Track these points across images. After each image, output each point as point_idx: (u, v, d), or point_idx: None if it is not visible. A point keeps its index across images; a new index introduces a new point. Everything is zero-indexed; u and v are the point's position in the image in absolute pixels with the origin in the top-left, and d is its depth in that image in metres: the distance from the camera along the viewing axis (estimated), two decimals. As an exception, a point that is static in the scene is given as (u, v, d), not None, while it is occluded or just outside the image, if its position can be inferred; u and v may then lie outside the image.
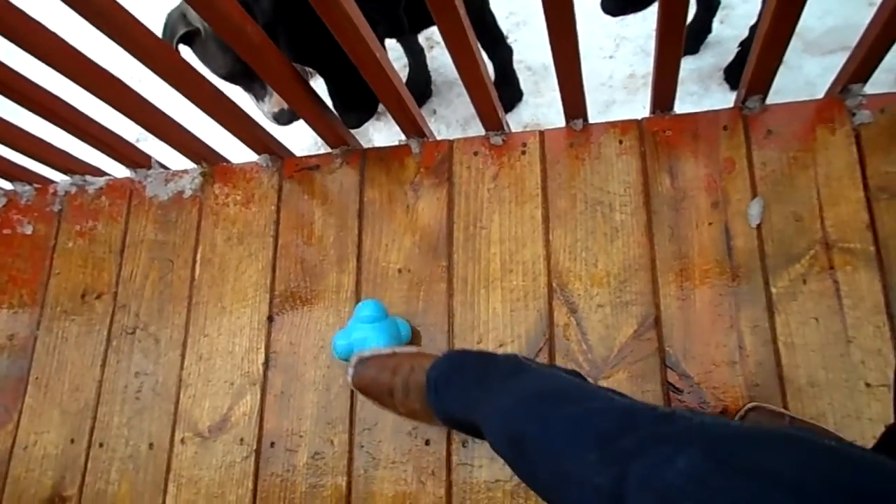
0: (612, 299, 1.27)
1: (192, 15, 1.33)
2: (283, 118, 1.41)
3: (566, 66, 1.23)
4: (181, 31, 1.32)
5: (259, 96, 1.43)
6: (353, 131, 1.51)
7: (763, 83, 1.27)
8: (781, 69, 1.24)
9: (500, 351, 1.28)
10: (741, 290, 1.22)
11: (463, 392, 1.03)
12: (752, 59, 1.22)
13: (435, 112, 2.00)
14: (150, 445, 1.37)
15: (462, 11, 1.08)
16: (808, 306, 1.18)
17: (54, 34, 1.08)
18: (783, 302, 1.20)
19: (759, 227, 1.24)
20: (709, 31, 1.82)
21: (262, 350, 1.39)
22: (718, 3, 1.76)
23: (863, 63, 1.19)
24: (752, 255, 1.23)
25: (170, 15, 1.37)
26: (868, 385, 1.12)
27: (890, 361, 1.13)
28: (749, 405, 1.14)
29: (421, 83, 2.00)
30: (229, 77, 1.38)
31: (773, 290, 1.21)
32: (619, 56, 1.91)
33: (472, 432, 1.04)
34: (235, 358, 1.39)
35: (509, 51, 1.85)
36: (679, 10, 1.08)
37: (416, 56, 1.97)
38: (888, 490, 0.50)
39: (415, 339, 1.32)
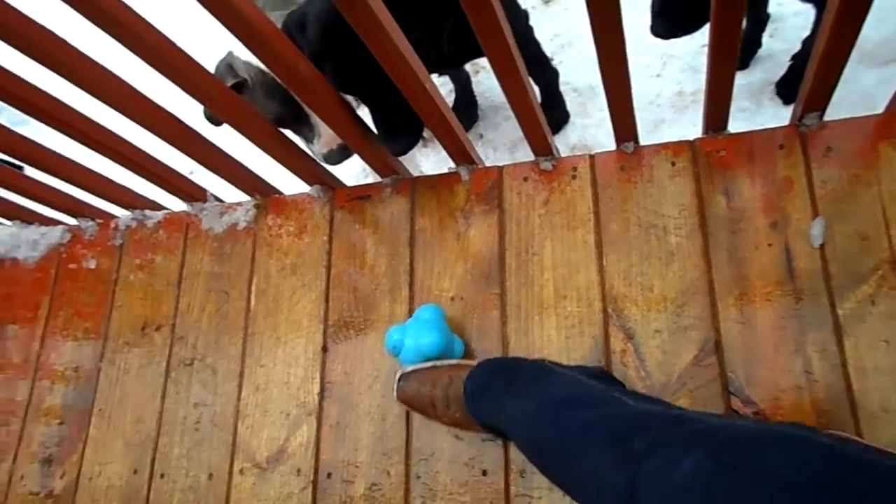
0: (670, 324, 1.24)
1: (239, 65, 1.38)
2: (332, 158, 1.45)
3: (616, 89, 1.22)
4: (229, 82, 1.38)
5: (308, 138, 1.47)
6: (401, 160, 1.53)
7: (821, 100, 1.23)
8: (837, 82, 1.21)
9: (556, 378, 1.26)
10: (805, 312, 1.18)
11: (493, 399, 1.09)
12: (809, 75, 1.19)
13: (482, 136, 2.01)
14: (210, 476, 1.39)
15: (510, 39, 1.08)
16: (879, 328, 1.14)
17: (112, 73, 1.13)
18: (851, 324, 1.15)
19: (821, 247, 1.20)
20: (759, 45, 1.79)
21: (318, 380, 1.40)
22: (768, 16, 1.73)
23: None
24: (816, 277, 1.19)
25: (217, 67, 1.43)
26: (947, 411, 1.07)
27: (970, 386, 1.07)
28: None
29: (468, 108, 2.01)
30: (278, 122, 1.43)
31: (840, 312, 1.16)
32: (666, 74, 1.89)
33: (506, 437, 1.09)
34: (291, 388, 1.41)
35: (555, 73, 1.85)
36: (733, 28, 1.06)
37: (462, 82, 1.99)
38: (869, 487, 0.56)
39: (468, 357, 1.31)
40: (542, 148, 1.39)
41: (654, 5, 1.25)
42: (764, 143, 1.29)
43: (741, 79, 1.83)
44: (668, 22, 1.26)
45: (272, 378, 1.43)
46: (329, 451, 1.34)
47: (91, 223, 1.71)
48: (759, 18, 1.73)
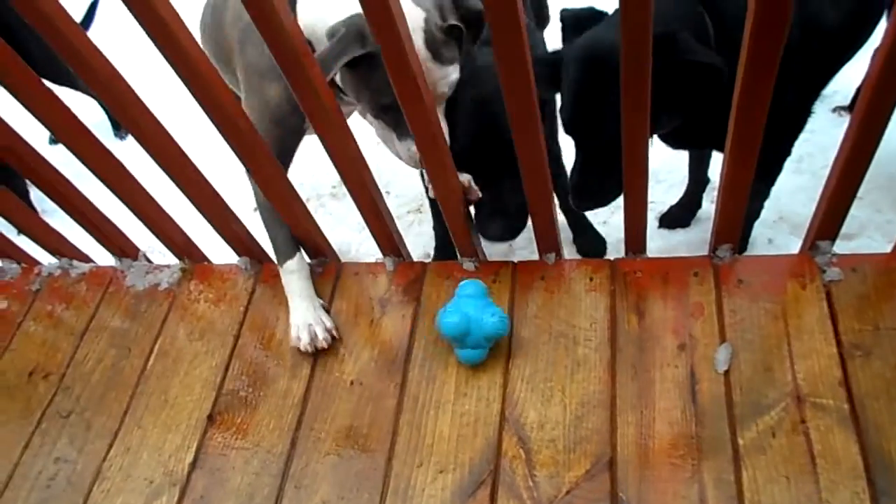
0: (566, 435, 1.18)
1: (370, 33, 1.07)
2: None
3: (537, 199, 1.27)
4: (357, 51, 1.10)
5: (401, 135, 1.25)
6: (334, 246, 1.54)
7: (732, 233, 1.27)
8: (764, 243, 1.25)
9: (440, 477, 1.17)
10: (705, 437, 1.12)
11: None
12: (719, 208, 1.24)
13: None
14: (45, 541, 1.24)
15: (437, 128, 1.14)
16: (778, 462, 1.07)
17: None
18: (751, 455, 1.09)
19: (726, 373, 1.17)
20: (699, 205, 1.87)
21: (193, 449, 1.29)
22: (708, 180, 1.83)
23: (825, 218, 1.20)
24: (718, 402, 1.15)
25: (347, 30, 1.11)
26: (845, 560, 0.98)
27: (871, 535, 0.99)
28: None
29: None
30: (387, 108, 1.19)
31: (741, 441, 1.11)
32: (612, 222, 1.96)
33: None
34: (163, 454, 1.30)
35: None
36: (641, 154, 1.13)
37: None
38: None
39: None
40: (466, 249, 1.41)
41: (570, 181, 1.34)
42: (679, 269, 1.31)
43: (681, 235, 1.90)
44: (584, 199, 1.34)
45: (147, 441, 1.32)
46: (182, 528, 1.21)
47: (14, 265, 1.69)
48: (701, 179, 1.83)
